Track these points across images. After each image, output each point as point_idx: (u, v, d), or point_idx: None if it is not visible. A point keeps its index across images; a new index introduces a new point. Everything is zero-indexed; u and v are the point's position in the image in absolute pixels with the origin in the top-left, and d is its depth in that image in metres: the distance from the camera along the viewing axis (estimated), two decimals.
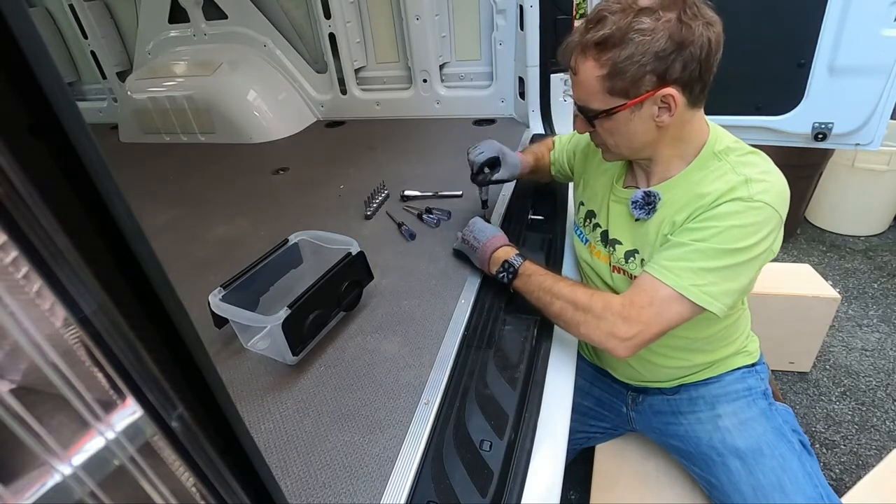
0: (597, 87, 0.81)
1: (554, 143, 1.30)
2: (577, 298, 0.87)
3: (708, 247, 0.80)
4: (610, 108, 0.83)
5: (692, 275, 0.79)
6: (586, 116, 0.87)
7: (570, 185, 1.32)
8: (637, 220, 0.93)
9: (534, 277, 0.95)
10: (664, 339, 0.84)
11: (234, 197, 1.70)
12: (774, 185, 0.81)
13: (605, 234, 1.01)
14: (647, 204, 0.90)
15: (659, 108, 0.81)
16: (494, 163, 1.21)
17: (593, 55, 0.80)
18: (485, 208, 1.30)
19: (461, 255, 1.16)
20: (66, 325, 0.27)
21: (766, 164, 0.85)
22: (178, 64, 2.33)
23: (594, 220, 1.05)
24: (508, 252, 1.01)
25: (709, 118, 0.91)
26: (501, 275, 1.00)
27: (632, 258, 0.95)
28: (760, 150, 0.88)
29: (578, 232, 1.10)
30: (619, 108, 0.82)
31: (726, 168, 0.84)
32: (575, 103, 0.89)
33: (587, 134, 1.14)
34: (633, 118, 0.83)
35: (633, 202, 0.92)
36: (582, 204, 1.10)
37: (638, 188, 0.94)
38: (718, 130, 0.90)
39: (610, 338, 0.83)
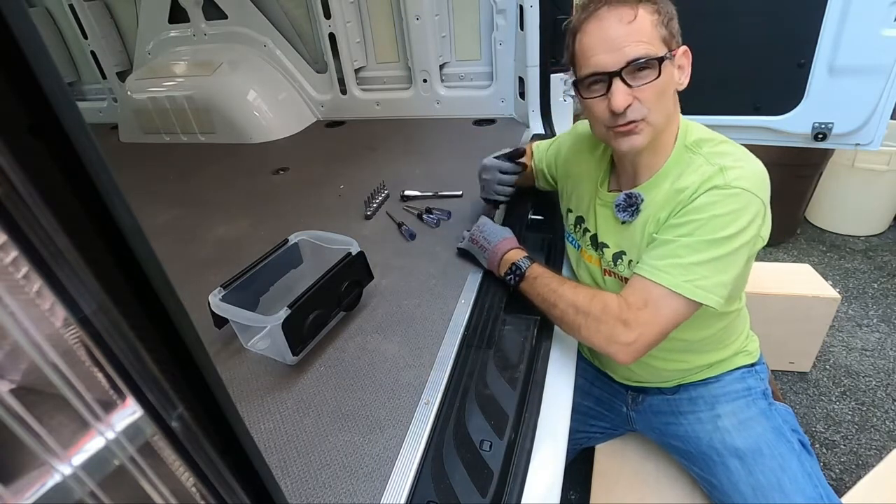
0: (653, 34, 0.79)
1: (532, 153, 1.26)
2: (577, 301, 0.87)
3: (693, 240, 0.80)
4: (664, 54, 0.79)
5: (682, 271, 0.79)
6: (639, 70, 0.79)
7: None
8: (623, 222, 0.93)
9: (539, 280, 0.95)
10: (662, 342, 0.84)
11: (234, 197, 1.70)
12: (751, 171, 0.81)
13: (594, 237, 1.01)
14: (630, 206, 0.91)
15: (678, 68, 0.82)
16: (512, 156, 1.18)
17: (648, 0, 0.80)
18: (496, 208, 1.27)
19: (463, 254, 1.15)
20: (66, 325, 0.27)
21: (741, 152, 0.85)
22: (178, 64, 2.33)
23: (583, 226, 1.05)
24: (517, 255, 1.01)
25: (707, 118, 0.91)
26: (509, 277, 1.00)
27: (619, 260, 0.95)
28: (760, 150, 0.88)
29: (570, 238, 1.11)
30: (672, 52, 0.81)
31: (700, 161, 0.84)
32: (614, 70, 0.79)
33: (568, 140, 1.13)
34: (669, 78, 0.82)
35: (616, 205, 0.93)
36: (570, 211, 1.10)
37: (621, 191, 0.95)
38: (687, 122, 0.90)
39: (611, 343, 0.82)
